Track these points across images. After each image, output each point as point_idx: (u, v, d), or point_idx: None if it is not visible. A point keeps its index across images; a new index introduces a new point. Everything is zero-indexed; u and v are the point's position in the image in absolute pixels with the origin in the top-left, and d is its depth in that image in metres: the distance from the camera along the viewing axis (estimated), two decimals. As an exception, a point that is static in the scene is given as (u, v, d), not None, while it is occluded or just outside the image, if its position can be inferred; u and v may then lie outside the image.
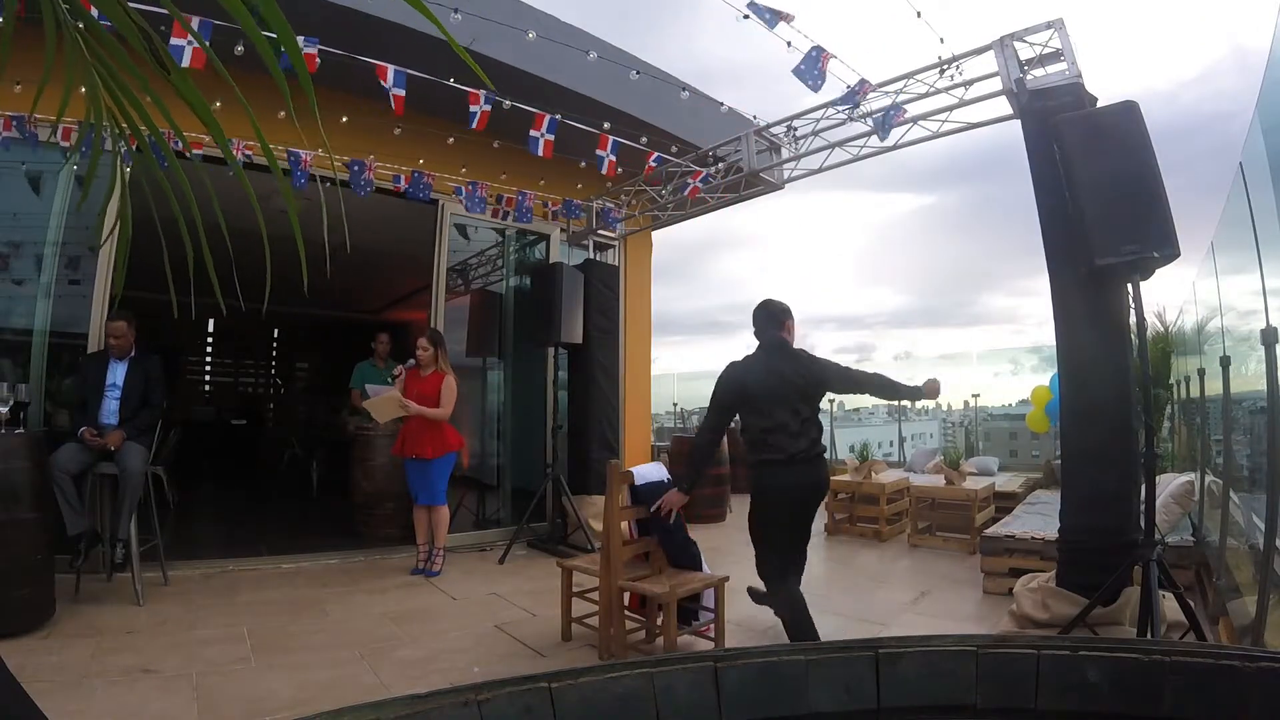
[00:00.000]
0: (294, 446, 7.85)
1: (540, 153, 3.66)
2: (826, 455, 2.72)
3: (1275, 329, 1.91)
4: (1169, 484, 3.59)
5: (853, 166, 4.35)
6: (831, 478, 5.85)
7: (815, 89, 3.20)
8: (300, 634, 2.97)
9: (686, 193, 4.68)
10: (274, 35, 0.66)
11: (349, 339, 9.15)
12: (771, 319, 2.77)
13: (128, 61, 0.78)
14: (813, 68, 3.13)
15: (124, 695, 2.28)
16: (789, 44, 3.15)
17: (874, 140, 3.98)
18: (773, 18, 3.02)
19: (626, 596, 2.87)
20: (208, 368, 11.10)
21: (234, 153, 3.55)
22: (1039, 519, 4.08)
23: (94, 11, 0.78)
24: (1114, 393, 2.71)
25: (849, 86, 3.52)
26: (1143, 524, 2.46)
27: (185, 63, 2.57)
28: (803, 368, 2.68)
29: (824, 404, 3.25)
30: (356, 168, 4.16)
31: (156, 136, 0.84)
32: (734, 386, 2.68)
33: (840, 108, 3.93)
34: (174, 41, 2.59)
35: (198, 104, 0.70)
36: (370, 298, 9.97)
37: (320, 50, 3.05)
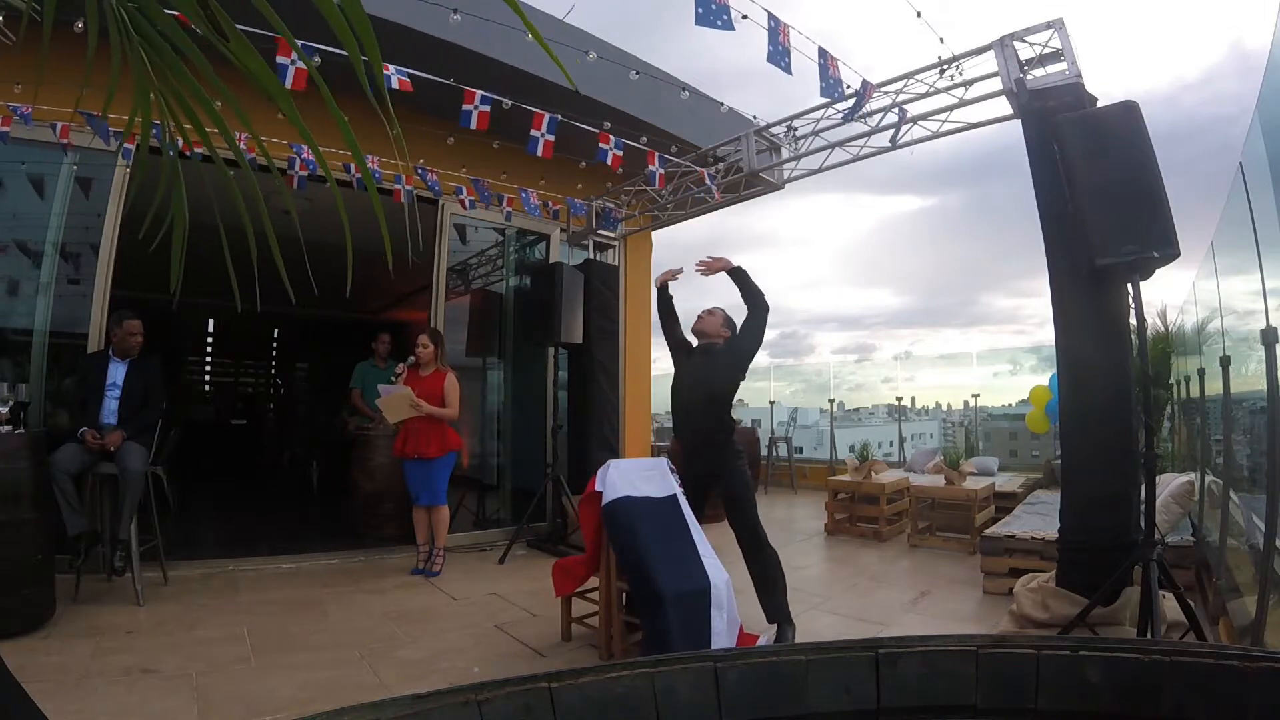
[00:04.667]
0: (294, 446, 7.86)
1: (540, 153, 3.65)
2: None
3: (1275, 329, 1.91)
4: (1169, 484, 3.58)
5: (855, 168, 4.36)
6: (832, 478, 5.92)
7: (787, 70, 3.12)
8: (300, 634, 2.96)
9: (714, 195, 4.67)
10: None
11: (349, 339, 9.15)
12: None
13: (190, 80, 0.80)
14: (778, 47, 3.03)
15: (124, 695, 2.27)
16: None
17: (874, 140, 3.98)
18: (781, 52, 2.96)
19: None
20: (208, 368, 11.10)
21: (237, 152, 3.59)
22: (1039, 519, 4.08)
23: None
24: (1114, 393, 2.71)
25: (850, 87, 3.49)
26: (1143, 524, 2.46)
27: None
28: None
29: (824, 404, 3.48)
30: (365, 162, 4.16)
31: (226, 135, 0.85)
32: None
33: (840, 109, 3.92)
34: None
35: (302, 130, 0.72)
36: (370, 298, 9.97)
37: (321, 51, 3.05)
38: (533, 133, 3.64)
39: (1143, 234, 2.34)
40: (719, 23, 2.73)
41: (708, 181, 4.56)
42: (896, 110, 3.77)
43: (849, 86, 3.45)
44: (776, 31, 2.94)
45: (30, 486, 2.82)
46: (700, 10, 2.71)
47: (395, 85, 3.19)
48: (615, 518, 2.70)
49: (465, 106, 3.44)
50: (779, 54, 2.94)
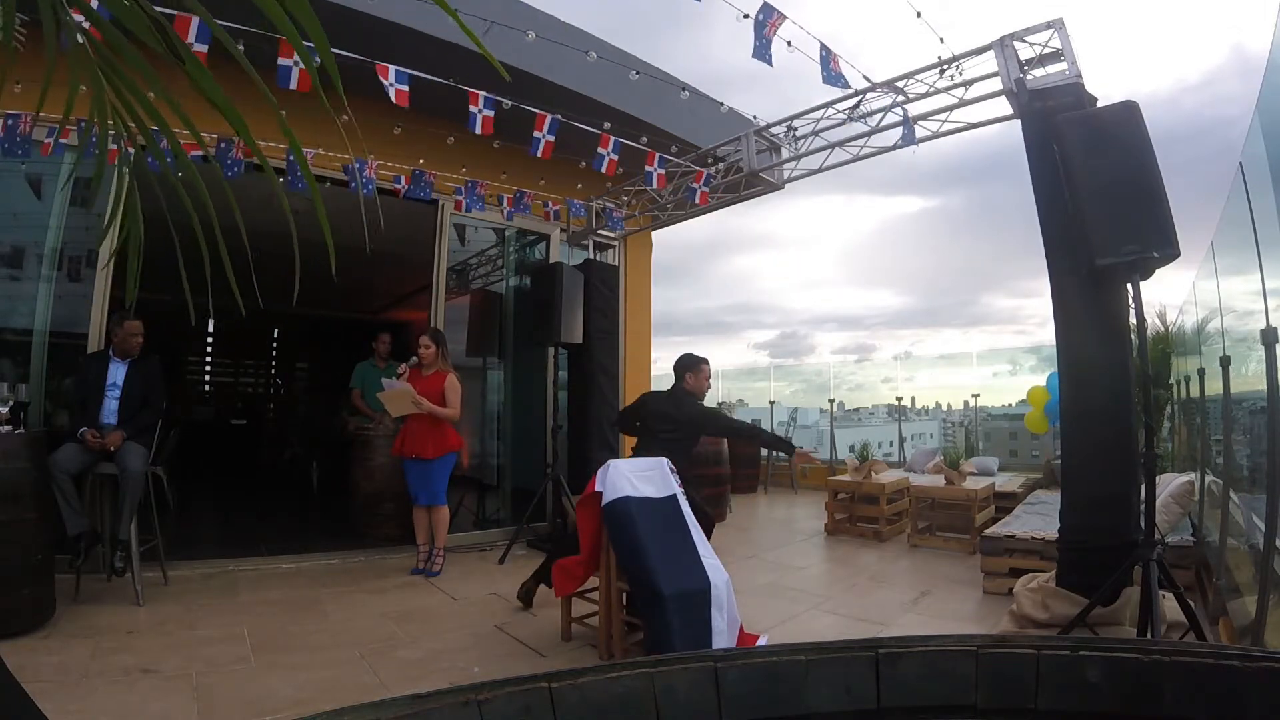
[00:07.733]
0: (294, 446, 7.86)
1: (540, 153, 3.66)
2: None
3: (1275, 329, 1.91)
4: (1169, 484, 3.58)
5: (857, 169, 4.36)
6: (832, 478, 5.92)
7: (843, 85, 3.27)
8: (300, 634, 2.96)
9: (696, 199, 4.68)
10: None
11: (349, 339, 9.16)
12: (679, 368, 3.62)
13: (135, 56, 0.76)
14: (826, 66, 3.12)
15: (124, 695, 2.27)
16: (789, 43, 3.16)
17: (874, 140, 3.98)
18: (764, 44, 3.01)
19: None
20: (208, 368, 11.10)
21: (233, 155, 3.57)
22: (1039, 519, 4.08)
23: (94, 2, 0.77)
24: (1114, 393, 2.71)
25: (865, 79, 3.51)
26: (1143, 524, 2.46)
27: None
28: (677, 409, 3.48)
29: (824, 404, 3.61)
30: (358, 165, 4.16)
31: (166, 133, 0.83)
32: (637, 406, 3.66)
33: (841, 107, 3.92)
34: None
35: (218, 98, 0.69)
36: (370, 298, 9.96)
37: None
38: (535, 134, 3.65)
39: (1143, 234, 2.34)
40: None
41: (698, 186, 4.56)
42: (907, 124, 3.76)
43: (866, 78, 3.48)
44: (764, 25, 2.96)
45: (30, 486, 2.81)
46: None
47: (396, 88, 3.19)
48: (615, 518, 2.70)
49: (471, 108, 3.44)
50: (763, 48, 3.00)
